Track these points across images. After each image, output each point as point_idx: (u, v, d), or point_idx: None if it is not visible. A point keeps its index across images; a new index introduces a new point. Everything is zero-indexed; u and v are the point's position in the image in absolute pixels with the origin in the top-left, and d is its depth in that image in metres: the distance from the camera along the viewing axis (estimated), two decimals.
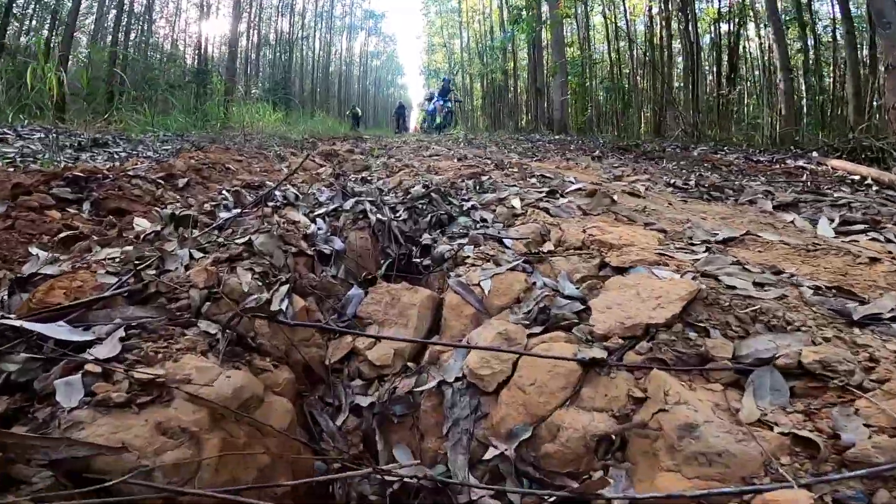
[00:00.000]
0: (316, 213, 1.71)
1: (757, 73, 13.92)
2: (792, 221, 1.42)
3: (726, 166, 3.77)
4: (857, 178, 3.09)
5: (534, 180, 1.99)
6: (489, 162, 2.91)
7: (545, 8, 9.80)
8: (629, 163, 3.63)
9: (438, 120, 12.43)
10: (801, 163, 3.61)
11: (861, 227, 1.32)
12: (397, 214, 1.66)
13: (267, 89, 13.82)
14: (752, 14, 13.53)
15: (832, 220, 1.35)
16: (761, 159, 3.92)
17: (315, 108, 16.39)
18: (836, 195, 1.79)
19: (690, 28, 11.24)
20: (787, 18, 11.76)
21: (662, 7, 14.35)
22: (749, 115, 11.06)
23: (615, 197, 1.51)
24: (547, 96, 12.35)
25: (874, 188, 2.84)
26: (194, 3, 14.89)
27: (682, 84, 13.51)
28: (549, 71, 10.88)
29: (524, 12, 8.86)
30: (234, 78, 10.86)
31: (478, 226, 1.49)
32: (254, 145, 5.03)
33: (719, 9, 13.40)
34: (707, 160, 4.08)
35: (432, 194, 1.70)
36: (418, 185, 1.77)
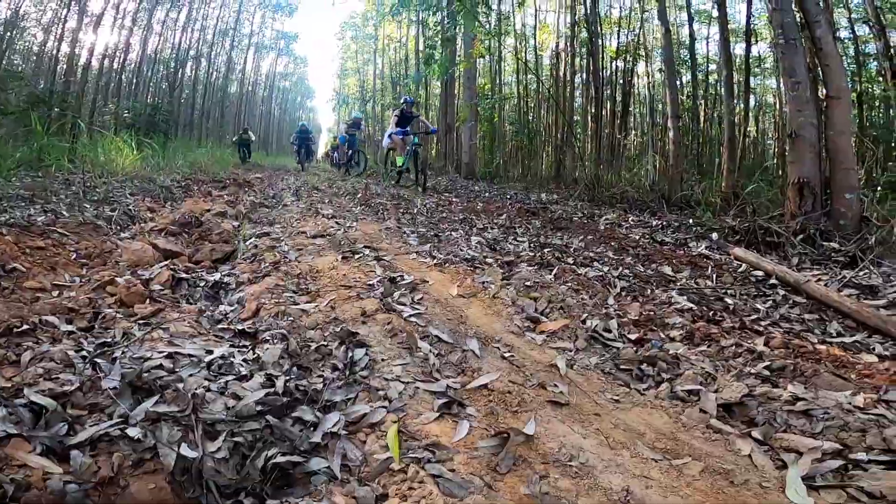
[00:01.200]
0: (72, 443, 1.06)
1: (647, 116, 15.19)
2: (749, 455, 1.10)
3: (632, 248, 3.68)
4: (760, 274, 3.09)
5: (426, 347, 1.52)
6: (378, 270, 2.42)
7: (459, 41, 9.69)
8: (537, 249, 3.36)
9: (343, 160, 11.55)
10: (703, 248, 3.62)
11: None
12: (214, 451, 1.10)
13: (139, 114, 12.03)
14: (644, 54, 14.73)
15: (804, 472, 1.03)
16: (665, 239, 3.91)
17: (205, 136, 14.87)
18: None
19: (593, 65, 11.77)
20: (678, 63, 12.80)
21: (567, 44, 15.18)
22: (637, 161, 11.88)
23: (534, 431, 1.09)
24: (457, 136, 12.30)
25: (780, 291, 2.82)
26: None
27: (580, 122, 14.27)
28: (459, 115, 10.78)
29: (436, 52, 8.68)
30: (80, 100, 9.25)
31: (335, 486, 0.99)
32: (94, 201, 4.05)
33: (618, 45, 14.38)
34: (612, 237, 3.99)
35: (269, 418, 1.14)
36: (253, 393, 1.20)
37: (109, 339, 1.55)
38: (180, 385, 1.24)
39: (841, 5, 10.18)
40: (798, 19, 4.24)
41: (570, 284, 2.40)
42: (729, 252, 3.39)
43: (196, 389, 1.21)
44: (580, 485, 0.96)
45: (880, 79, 9.67)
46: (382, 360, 1.43)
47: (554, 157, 13.32)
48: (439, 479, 0.94)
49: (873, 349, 1.92)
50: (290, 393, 1.24)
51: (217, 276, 2.55)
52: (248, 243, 3.30)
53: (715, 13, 10.54)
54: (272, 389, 1.24)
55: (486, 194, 7.56)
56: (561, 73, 14.78)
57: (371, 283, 2.18)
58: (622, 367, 1.55)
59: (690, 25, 10.97)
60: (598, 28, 12.76)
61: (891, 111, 9.43)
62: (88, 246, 2.85)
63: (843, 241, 3.31)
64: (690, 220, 4.69)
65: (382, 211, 4.73)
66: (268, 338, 1.68)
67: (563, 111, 11.48)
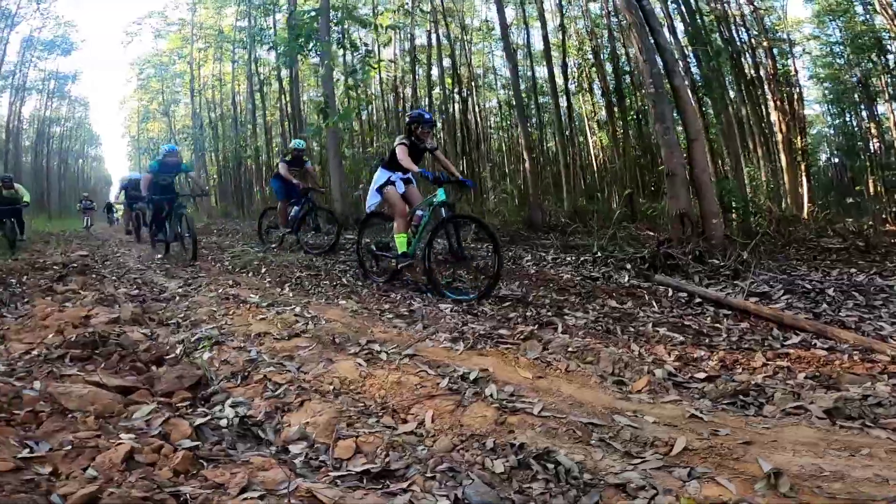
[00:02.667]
0: None
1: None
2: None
3: (571, 287, 4.24)
4: (685, 295, 3.91)
5: (597, 437, 1.66)
6: (427, 369, 2.40)
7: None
8: (506, 305, 3.64)
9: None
10: (628, 279, 4.39)
11: None
12: None
13: None
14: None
15: None
16: (594, 273, 4.61)
17: None
18: None
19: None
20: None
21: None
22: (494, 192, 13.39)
23: (772, 465, 1.37)
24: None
25: (709, 307, 3.63)
26: None
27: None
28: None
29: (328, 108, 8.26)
30: None
31: None
32: None
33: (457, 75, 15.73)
34: (547, 278, 4.52)
35: None
36: None
37: None
38: None
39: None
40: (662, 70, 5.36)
41: (590, 338, 2.74)
42: (651, 280, 4.19)
43: None
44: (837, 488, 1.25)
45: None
46: (595, 463, 1.52)
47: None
48: None
49: (815, 345, 2.70)
50: None
51: (228, 411, 2.17)
52: (205, 358, 2.82)
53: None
54: None
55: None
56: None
57: (439, 385, 2.16)
58: (723, 400, 1.93)
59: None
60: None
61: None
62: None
63: (720, 257, 4.42)
64: (597, 251, 5.52)
65: (312, 286, 4.46)
66: (415, 476, 1.58)
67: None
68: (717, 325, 3.08)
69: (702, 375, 2.18)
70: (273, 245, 7.36)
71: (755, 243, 4.60)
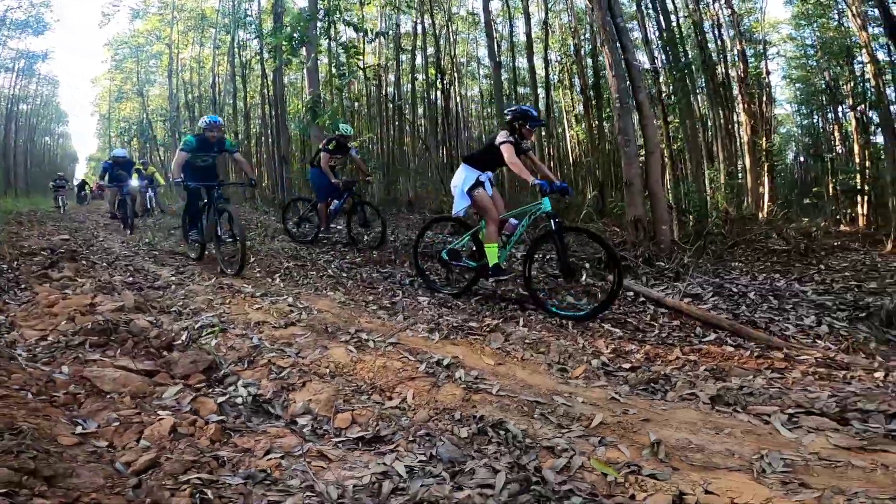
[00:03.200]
0: None
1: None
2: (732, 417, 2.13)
3: (536, 285, 4.80)
4: (632, 294, 4.49)
5: (540, 411, 2.20)
6: (408, 355, 2.90)
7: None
8: (478, 300, 4.16)
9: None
10: (586, 277, 4.96)
11: None
12: None
13: None
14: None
15: None
16: (555, 272, 5.17)
17: None
18: None
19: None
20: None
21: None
22: None
23: (658, 436, 1.94)
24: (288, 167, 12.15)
25: (650, 306, 4.22)
26: None
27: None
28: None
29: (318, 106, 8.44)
30: None
31: None
32: None
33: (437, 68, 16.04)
34: (514, 275, 5.06)
35: None
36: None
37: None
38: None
39: None
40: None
41: (546, 332, 3.29)
42: (605, 280, 4.78)
43: None
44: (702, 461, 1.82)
45: None
46: (535, 431, 2.06)
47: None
48: None
49: (727, 342, 3.31)
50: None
51: (241, 391, 2.62)
52: (213, 344, 3.26)
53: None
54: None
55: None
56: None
57: (418, 369, 2.66)
58: (639, 386, 2.50)
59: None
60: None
61: None
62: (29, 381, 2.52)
63: (666, 260, 5.03)
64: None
65: (301, 278, 4.89)
66: (399, 440, 2.09)
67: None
68: (654, 322, 3.67)
69: (627, 366, 2.74)
70: (308, 238, 6.91)
71: (699, 246, 5.24)
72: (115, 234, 8.86)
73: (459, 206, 4.20)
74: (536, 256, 4.73)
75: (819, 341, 3.27)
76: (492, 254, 4.05)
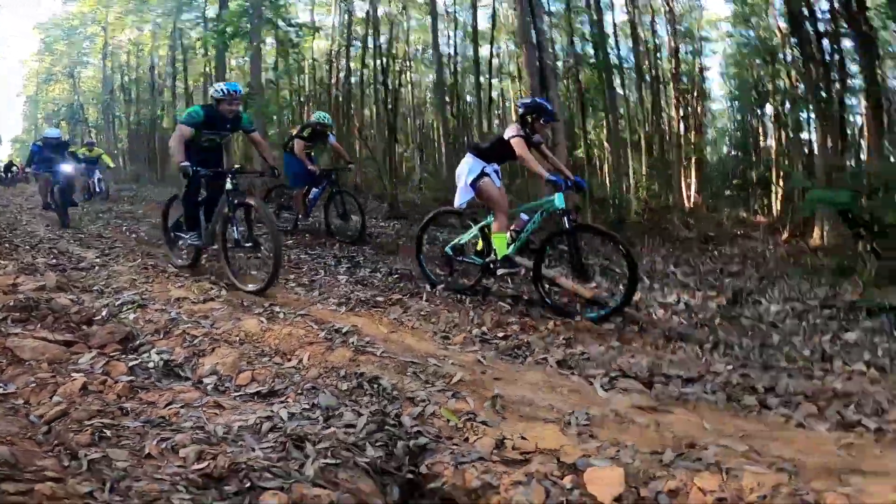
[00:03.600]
0: None
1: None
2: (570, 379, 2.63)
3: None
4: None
5: (412, 370, 2.63)
6: (313, 325, 3.26)
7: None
8: (394, 279, 4.57)
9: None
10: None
11: None
12: None
13: None
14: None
15: None
16: None
17: None
18: None
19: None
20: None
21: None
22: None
23: (501, 391, 2.40)
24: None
25: (548, 286, 4.75)
26: None
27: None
28: None
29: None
30: None
31: None
32: None
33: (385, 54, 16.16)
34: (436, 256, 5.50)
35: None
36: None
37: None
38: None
39: None
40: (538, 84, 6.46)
41: (442, 306, 3.74)
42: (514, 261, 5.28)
43: None
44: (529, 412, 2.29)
45: None
46: (404, 385, 2.47)
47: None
48: None
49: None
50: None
51: (154, 357, 2.89)
52: (131, 318, 3.49)
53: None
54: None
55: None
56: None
57: (320, 336, 3.04)
58: (506, 352, 2.98)
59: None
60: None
61: None
62: None
63: None
64: None
65: (231, 259, 5.12)
66: (290, 393, 2.45)
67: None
68: (546, 298, 4.19)
69: (502, 335, 3.22)
70: (287, 228, 6.55)
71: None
72: (39, 217, 8.64)
73: (463, 198, 4.11)
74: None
75: (675, 317, 3.87)
76: (501, 245, 3.95)
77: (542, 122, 4.00)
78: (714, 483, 1.69)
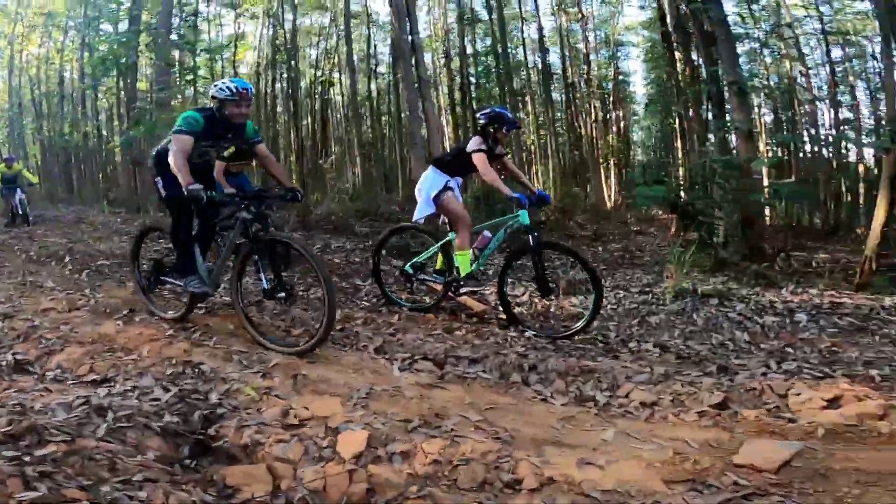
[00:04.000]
0: None
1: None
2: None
3: (357, 272, 5.67)
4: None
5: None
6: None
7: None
8: None
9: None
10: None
11: None
12: None
13: None
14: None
15: None
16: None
17: None
18: None
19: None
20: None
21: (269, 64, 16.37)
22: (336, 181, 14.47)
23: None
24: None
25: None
26: None
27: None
28: None
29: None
30: None
31: None
32: None
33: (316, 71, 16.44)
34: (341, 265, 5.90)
35: None
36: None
37: None
38: None
39: None
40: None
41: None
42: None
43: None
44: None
45: None
46: (224, 369, 2.89)
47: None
48: None
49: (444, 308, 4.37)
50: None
51: (8, 357, 3.15)
52: None
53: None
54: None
55: None
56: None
57: (167, 334, 3.39)
58: (337, 342, 3.44)
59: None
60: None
61: None
62: None
63: None
64: None
65: (110, 272, 5.36)
66: (120, 379, 2.81)
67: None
68: (412, 295, 4.67)
69: (339, 327, 3.67)
70: None
71: None
72: None
73: (422, 212, 4.04)
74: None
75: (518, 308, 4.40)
76: (464, 262, 3.88)
77: (504, 131, 3.93)
78: (437, 447, 2.00)
